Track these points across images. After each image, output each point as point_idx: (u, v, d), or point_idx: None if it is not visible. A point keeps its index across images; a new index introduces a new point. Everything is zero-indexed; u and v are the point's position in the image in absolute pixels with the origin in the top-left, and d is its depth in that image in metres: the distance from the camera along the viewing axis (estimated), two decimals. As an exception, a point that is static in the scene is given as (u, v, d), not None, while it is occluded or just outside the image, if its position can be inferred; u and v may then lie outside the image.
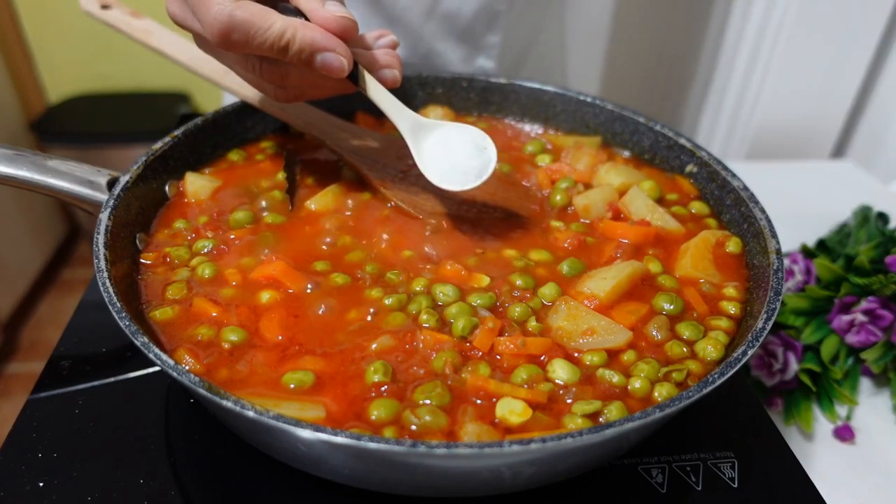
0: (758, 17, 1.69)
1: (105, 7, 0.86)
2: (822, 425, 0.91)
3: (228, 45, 0.62)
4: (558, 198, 0.81)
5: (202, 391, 0.50)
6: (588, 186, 0.84)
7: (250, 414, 0.48)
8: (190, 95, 2.73)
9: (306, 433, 0.47)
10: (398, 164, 0.83)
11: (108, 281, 0.59)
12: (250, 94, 0.86)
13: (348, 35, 0.67)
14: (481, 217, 0.78)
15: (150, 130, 2.46)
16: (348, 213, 0.78)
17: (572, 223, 0.79)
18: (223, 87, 0.87)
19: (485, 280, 0.69)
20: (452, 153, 0.73)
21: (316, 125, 0.87)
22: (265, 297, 0.66)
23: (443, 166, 0.73)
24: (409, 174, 0.82)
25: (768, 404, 0.94)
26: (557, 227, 0.78)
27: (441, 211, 0.78)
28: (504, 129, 0.98)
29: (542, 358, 0.61)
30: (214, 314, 0.64)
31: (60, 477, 0.60)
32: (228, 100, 0.91)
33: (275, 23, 0.62)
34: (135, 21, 0.86)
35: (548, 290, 0.68)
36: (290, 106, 0.88)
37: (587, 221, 0.79)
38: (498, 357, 0.61)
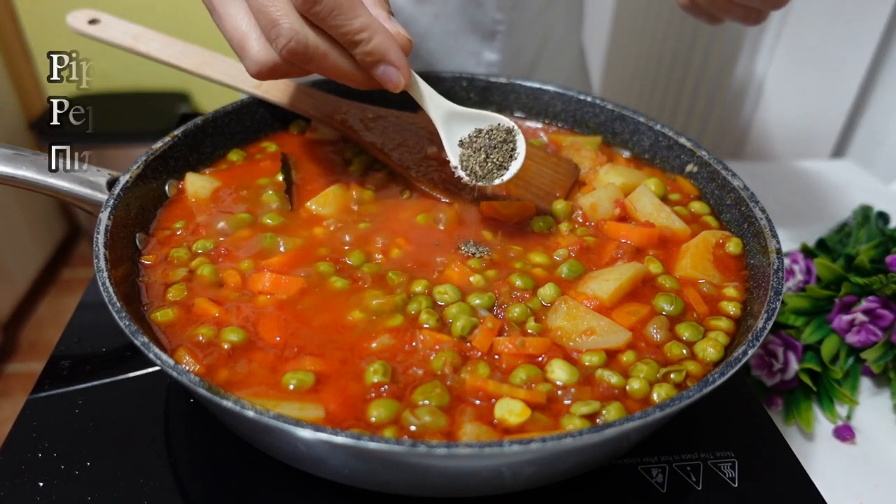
0: (758, 17, 1.68)
1: (93, 22, 0.85)
2: (823, 425, 0.91)
3: (306, 6, 0.60)
4: (559, 206, 0.80)
5: (202, 391, 0.50)
6: (588, 187, 0.84)
7: (250, 414, 0.48)
8: (190, 95, 2.73)
9: (306, 433, 0.47)
10: (419, 146, 0.83)
11: (108, 281, 0.59)
12: (252, 88, 0.86)
13: (406, 56, 0.67)
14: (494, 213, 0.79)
15: (150, 130, 2.46)
16: (349, 214, 0.78)
17: (578, 227, 0.78)
18: (227, 85, 0.87)
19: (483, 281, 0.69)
20: (483, 147, 0.73)
21: (327, 111, 0.86)
22: (265, 297, 0.66)
23: (474, 162, 0.73)
24: (431, 157, 0.82)
25: (768, 404, 0.93)
26: (562, 229, 0.78)
27: (467, 193, 0.78)
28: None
29: (540, 358, 0.61)
30: (216, 314, 0.64)
31: (60, 477, 0.60)
32: (228, 100, 0.91)
33: (360, 15, 0.62)
34: (126, 32, 0.85)
35: (547, 291, 0.68)
36: (301, 95, 0.87)
37: (592, 224, 0.79)
38: (497, 357, 0.61)
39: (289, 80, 0.89)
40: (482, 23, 1.10)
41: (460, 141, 0.74)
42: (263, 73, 0.65)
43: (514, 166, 0.71)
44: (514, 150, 0.72)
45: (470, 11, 1.08)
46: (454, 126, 0.74)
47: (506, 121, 0.73)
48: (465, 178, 0.72)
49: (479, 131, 0.73)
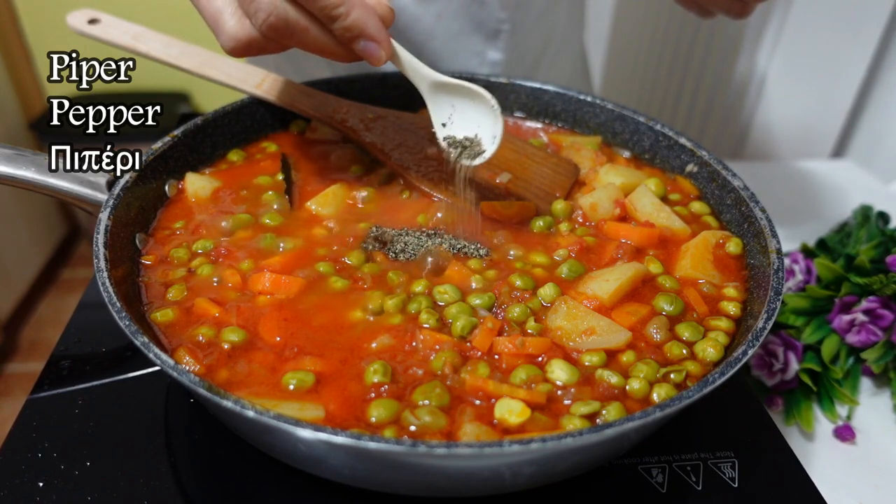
0: (758, 17, 1.69)
1: (93, 22, 0.85)
2: (823, 425, 0.91)
3: None
4: (559, 206, 0.81)
5: (202, 391, 0.50)
6: (588, 187, 0.84)
7: (250, 414, 0.48)
8: (190, 95, 2.72)
9: (306, 433, 0.47)
10: (419, 146, 0.83)
11: (107, 281, 0.59)
12: (252, 88, 0.86)
13: (387, 26, 0.66)
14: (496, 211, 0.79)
15: (150, 130, 2.46)
16: (349, 214, 0.78)
17: (578, 227, 0.78)
18: (227, 85, 0.87)
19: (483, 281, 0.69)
20: (467, 121, 0.73)
21: (328, 111, 0.86)
22: (265, 298, 0.66)
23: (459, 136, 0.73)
24: (431, 157, 0.82)
25: (769, 404, 0.93)
26: (562, 229, 0.78)
27: (467, 194, 0.78)
28: (504, 128, 0.98)
29: (540, 358, 0.61)
30: (216, 314, 0.64)
31: (60, 477, 0.60)
32: (228, 100, 0.91)
33: None
34: (126, 32, 0.85)
35: (547, 291, 0.68)
36: (302, 95, 0.87)
37: (592, 224, 0.79)
38: (497, 357, 0.61)
39: (289, 80, 0.89)
40: (486, 22, 1.10)
41: (443, 124, 0.74)
42: (239, 49, 0.64)
43: (491, 150, 0.72)
44: (494, 136, 0.72)
45: (473, 11, 1.08)
46: (440, 97, 0.74)
47: (488, 96, 0.71)
48: (450, 155, 0.73)
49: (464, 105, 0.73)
